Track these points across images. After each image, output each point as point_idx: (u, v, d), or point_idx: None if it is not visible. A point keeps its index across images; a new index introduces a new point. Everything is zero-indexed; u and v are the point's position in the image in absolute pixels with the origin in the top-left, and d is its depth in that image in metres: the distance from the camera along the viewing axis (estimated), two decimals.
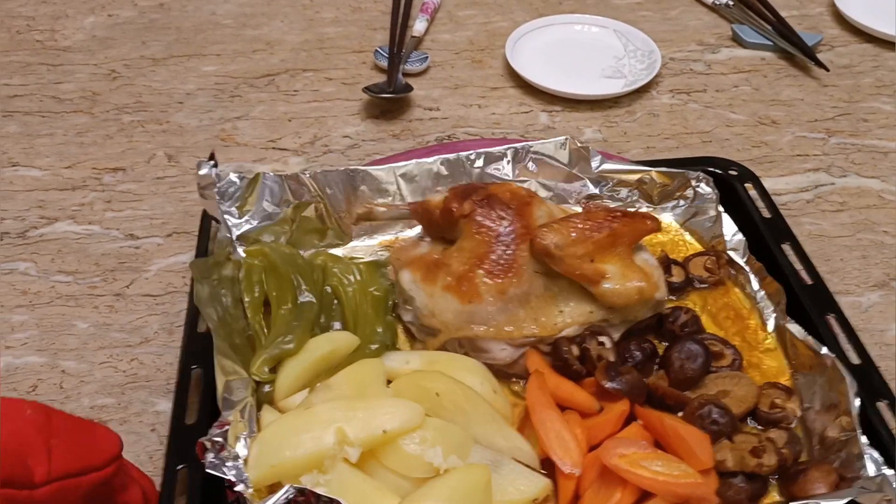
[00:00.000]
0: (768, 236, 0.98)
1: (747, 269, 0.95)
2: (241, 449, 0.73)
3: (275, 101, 1.33)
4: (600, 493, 0.74)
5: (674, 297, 0.95)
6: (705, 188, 1.01)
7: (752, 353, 0.90)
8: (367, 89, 1.30)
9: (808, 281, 0.93)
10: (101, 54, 1.42)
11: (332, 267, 0.94)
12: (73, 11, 1.52)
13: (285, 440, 0.73)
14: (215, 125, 1.28)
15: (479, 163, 1.04)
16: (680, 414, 0.81)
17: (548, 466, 0.78)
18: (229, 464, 0.71)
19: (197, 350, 0.85)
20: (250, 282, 0.89)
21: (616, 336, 0.88)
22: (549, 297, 0.88)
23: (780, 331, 0.90)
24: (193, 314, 0.88)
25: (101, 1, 1.54)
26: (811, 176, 1.20)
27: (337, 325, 0.90)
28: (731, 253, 0.97)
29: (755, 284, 0.94)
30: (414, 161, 1.03)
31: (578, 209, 1.01)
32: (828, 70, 1.38)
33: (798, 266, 0.95)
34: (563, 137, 1.05)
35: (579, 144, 1.04)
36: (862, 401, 0.78)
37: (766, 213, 1.01)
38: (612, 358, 0.84)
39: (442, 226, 0.93)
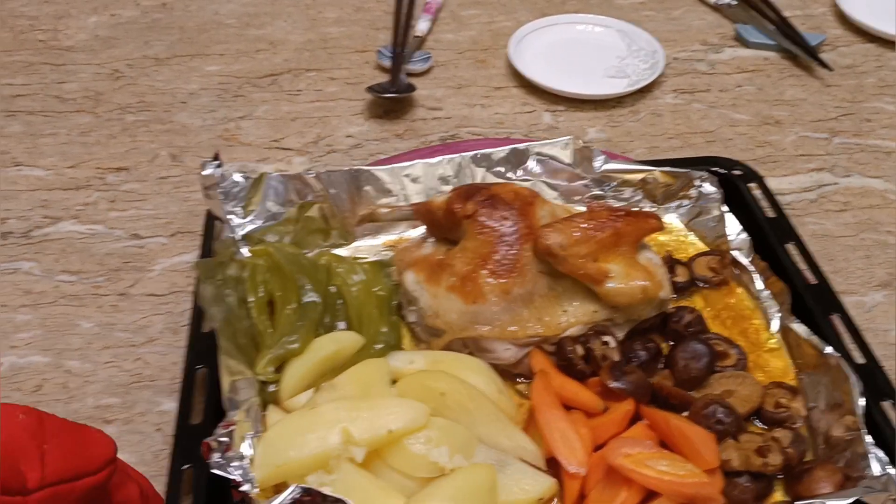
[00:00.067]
0: (772, 236, 0.98)
1: (751, 268, 0.95)
2: (246, 449, 0.73)
3: (278, 100, 1.33)
4: (605, 493, 0.74)
5: (678, 297, 0.95)
6: (709, 188, 1.01)
7: (756, 353, 0.89)
8: (370, 89, 1.30)
9: (813, 280, 0.93)
10: (104, 54, 1.42)
11: (337, 267, 0.94)
12: (76, 11, 1.52)
13: (291, 440, 0.73)
14: (219, 125, 1.28)
15: (483, 163, 1.04)
16: (685, 414, 0.81)
17: (553, 466, 0.77)
18: (235, 464, 0.71)
19: (202, 350, 0.85)
20: (255, 282, 0.89)
21: (620, 336, 0.88)
22: (552, 296, 0.88)
23: (784, 330, 0.90)
24: (198, 314, 0.88)
25: (103, 0, 1.54)
26: (815, 176, 1.20)
27: (341, 324, 0.90)
28: (735, 253, 0.97)
29: (759, 284, 0.94)
30: (418, 161, 1.03)
31: (582, 209, 1.01)
32: (831, 70, 1.38)
33: (802, 266, 0.95)
34: (567, 137, 1.05)
35: (583, 144, 1.04)
36: (866, 400, 0.78)
37: (770, 213, 1.01)
38: (616, 357, 0.84)
39: (445, 226, 0.93)
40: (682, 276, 0.96)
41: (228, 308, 0.86)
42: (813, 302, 0.91)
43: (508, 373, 0.88)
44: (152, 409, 0.92)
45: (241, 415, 0.75)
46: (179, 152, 1.23)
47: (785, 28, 1.44)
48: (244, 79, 1.37)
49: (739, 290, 0.96)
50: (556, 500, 0.77)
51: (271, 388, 0.82)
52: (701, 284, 0.96)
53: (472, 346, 0.88)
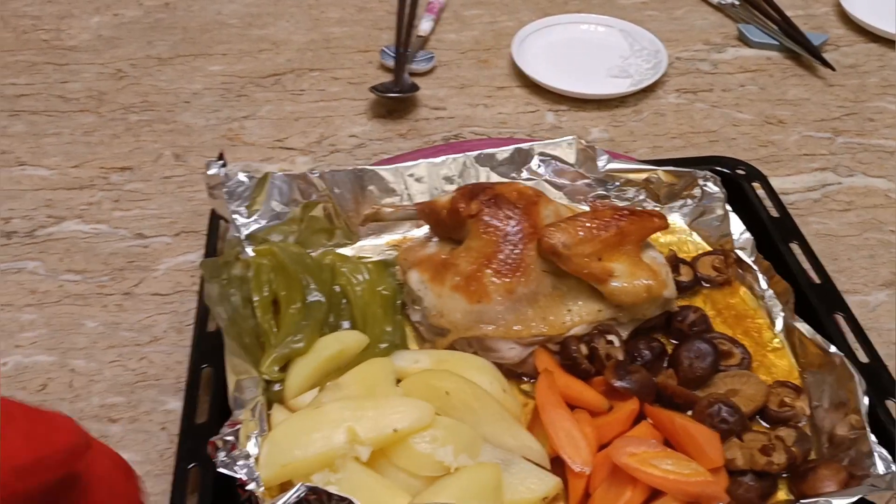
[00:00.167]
0: (776, 235, 0.98)
1: (755, 268, 0.95)
2: (251, 448, 0.73)
3: (281, 100, 1.33)
4: (610, 492, 0.74)
5: (682, 296, 0.95)
6: (713, 187, 1.01)
7: (760, 352, 0.90)
8: (373, 89, 1.30)
9: (816, 280, 0.94)
10: (108, 54, 1.42)
11: (341, 266, 0.94)
12: (79, 11, 1.52)
13: (296, 439, 0.73)
14: (222, 125, 1.28)
15: (486, 163, 1.04)
16: (689, 413, 0.81)
17: (558, 465, 0.78)
18: (240, 463, 0.71)
19: (207, 349, 0.85)
20: (259, 281, 0.90)
21: (624, 335, 0.88)
22: (557, 296, 0.88)
23: (788, 330, 0.90)
24: (203, 313, 0.89)
25: (106, 0, 1.54)
26: (818, 175, 1.20)
27: (346, 324, 0.90)
28: (738, 252, 0.97)
29: (763, 284, 0.94)
30: (421, 161, 1.03)
31: (586, 208, 1.01)
32: (834, 70, 1.38)
33: (806, 265, 0.95)
34: (570, 137, 1.05)
35: (586, 144, 1.04)
36: (871, 399, 0.78)
37: (774, 213, 1.01)
38: (620, 357, 0.85)
39: (449, 226, 0.93)
40: (685, 275, 0.96)
41: (233, 307, 0.87)
42: (817, 301, 0.91)
43: (513, 372, 0.88)
44: (157, 408, 0.92)
45: (247, 414, 0.76)
46: (183, 152, 1.23)
47: (788, 28, 1.44)
48: (247, 79, 1.37)
49: (743, 289, 0.96)
50: (560, 499, 0.77)
51: (276, 387, 0.82)
52: (705, 284, 0.96)
53: (476, 346, 0.88)
